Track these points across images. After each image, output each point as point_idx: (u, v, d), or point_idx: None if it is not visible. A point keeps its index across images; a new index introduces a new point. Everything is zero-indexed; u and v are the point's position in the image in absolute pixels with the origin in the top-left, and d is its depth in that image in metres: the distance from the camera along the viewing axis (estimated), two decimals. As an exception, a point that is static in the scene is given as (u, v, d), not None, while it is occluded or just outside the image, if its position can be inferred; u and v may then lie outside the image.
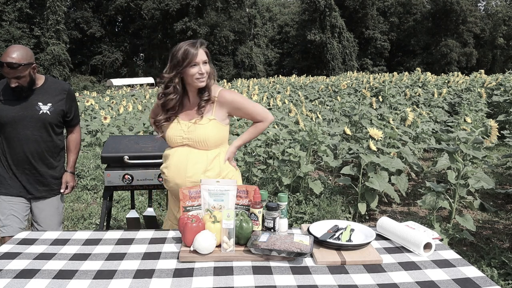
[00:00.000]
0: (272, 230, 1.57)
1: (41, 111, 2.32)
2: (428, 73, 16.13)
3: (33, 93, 2.32)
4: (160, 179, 2.39)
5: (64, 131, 2.57)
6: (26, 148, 2.31)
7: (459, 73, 18.00)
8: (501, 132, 6.22)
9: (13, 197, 2.34)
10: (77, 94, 25.16)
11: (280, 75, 30.00)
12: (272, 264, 1.38)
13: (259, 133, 2.15)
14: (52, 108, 2.35)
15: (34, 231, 1.77)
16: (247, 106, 2.06)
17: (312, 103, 11.31)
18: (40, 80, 2.37)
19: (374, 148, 3.97)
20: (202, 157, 1.95)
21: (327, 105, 10.41)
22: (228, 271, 1.33)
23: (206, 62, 1.91)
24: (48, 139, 2.38)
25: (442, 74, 22.50)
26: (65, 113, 2.43)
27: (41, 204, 2.43)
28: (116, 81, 38.28)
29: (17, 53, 2.17)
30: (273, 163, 4.77)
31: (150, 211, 2.63)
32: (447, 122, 7.87)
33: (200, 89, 1.96)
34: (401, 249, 1.52)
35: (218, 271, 1.33)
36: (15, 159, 2.32)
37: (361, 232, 1.60)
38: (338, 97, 9.56)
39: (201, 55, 1.89)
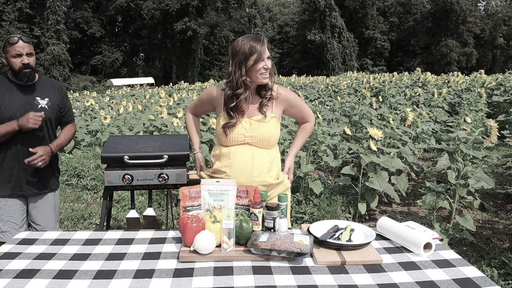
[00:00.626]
0: (272, 230, 1.57)
1: (39, 105, 2.34)
2: (428, 73, 16.12)
3: (31, 88, 2.34)
4: (160, 179, 2.38)
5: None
6: (28, 144, 2.31)
7: (459, 73, 17.99)
8: (501, 132, 6.22)
9: (9, 199, 2.33)
10: (77, 94, 25.17)
11: (280, 75, 29.99)
12: (272, 264, 1.38)
13: (309, 134, 2.13)
14: (49, 102, 2.39)
15: (33, 231, 1.77)
16: (300, 104, 2.05)
17: (312, 103, 11.31)
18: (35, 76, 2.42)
19: (374, 148, 3.96)
20: (266, 156, 1.93)
21: (327, 105, 10.41)
22: (228, 271, 1.33)
23: (269, 58, 1.88)
24: (47, 134, 2.41)
25: (442, 74, 22.50)
26: (60, 109, 2.47)
27: (39, 202, 2.43)
28: (116, 81, 38.24)
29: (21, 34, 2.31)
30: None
31: (150, 211, 2.63)
32: (447, 122, 7.87)
33: (260, 86, 1.93)
34: (401, 249, 1.52)
35: (218, 271, 1.33)
36: (16, 155, 2.31)
37: (361, 232, 1.60)
38: (338, 97, 9.56)
39: (266, 50, 1.86)
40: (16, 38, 2.21)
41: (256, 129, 1.89)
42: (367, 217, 4.20)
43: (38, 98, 2.35)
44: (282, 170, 2.10)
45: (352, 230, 1.59)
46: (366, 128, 5.56)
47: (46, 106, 2.36)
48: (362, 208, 3.99)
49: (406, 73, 16.95)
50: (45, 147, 2.32)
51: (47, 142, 2.41)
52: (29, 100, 2.32)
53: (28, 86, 2.33)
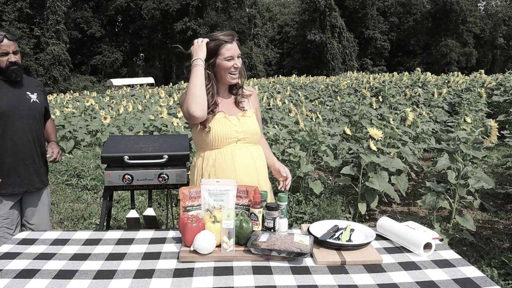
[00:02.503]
0: (272, 230, 1.57)
1: (31, 100, 2.38)
2: (428, 73, 16.12)
3: (20, 84, 2.36)
4: (160, 179, 2.38)
5: None
6: (24, 138, 2.32)
7: (459, 73, 17.99)
8: (501, 132, 6.22)
9: (4, 201, 2.31)
10: (77, 94, 25.18)
11: (280, 75, 30.01)
12: (272, 264, 1.38)
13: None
14: (38, 97, 2.43)
15: (27, 231, 1.77)
16: (259, 113, 2.05)
17: (312, 103, 11.31)
18: None
19: (374, 148, 3.96)
20: (260, 151, 1.93)
21: (327, 105, 10.41)
22: (228, 271, 1.33)
23: (239, 57, 1.84)
24: (40, 127, 2.44)
25: (442, 74, 22.50)
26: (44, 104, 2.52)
27: (35, 201, 2.43)
28: (116, 81, 38.25)
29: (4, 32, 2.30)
30: (273, 163, 4.78)
31: (150, 211, 2.63)
32: (447, 122, 7.87)
33: (231, 85, 1.91)
34: (401, 249, 1.52)
35: (218, 271, 1.33)
36: (13, 150, 2.29)
37: (361, 232, 1.60)
38: (338, 97, 9.57)
39: (236, 48, 1.81)
40: (1, 36, 2.20)
41: (245, 124, 1.86)
42: (367, 217, 4.20)
43: (28, 92, 2.38)
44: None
45: (352, 230, 1.59)
46: (366, 128, 5.56)
47: (37, 100, 2.40)
48: (362, 208, 3.99)
49: (406, 73, 16.95)
50: (54, 143, 2.56)
51: (40, 135, 2.45)
52: (20, 94, 2.34)
53: (17, 82, 2.35)
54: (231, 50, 1.79)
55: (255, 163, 1.87)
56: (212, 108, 1.82)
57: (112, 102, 14.62)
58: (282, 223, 1.62)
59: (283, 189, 1.93)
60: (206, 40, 1.80)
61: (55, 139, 2.66)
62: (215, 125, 1.81)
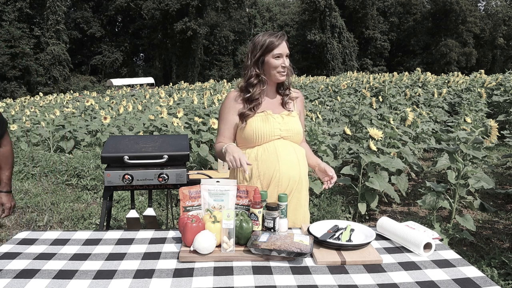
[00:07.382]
0: (272, 230, 1.57)
1: None
2: (428, 73, 16.11)
3: None
4: (160, 179, 2.38)
5: None
6: None
7: (459, 73, 17.98)
8: (501, 132, 6.22)
9: None
10: (77, 94, 25.17)
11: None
12: (272, 264, 1.38)
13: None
14: None
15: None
16: (303, 116, 2.07)
17: (312, 103, 11.30)
18: None
19: (374, 148, 3.96)
20: (303, 151, 1.94)
21: (327, 105, 10.40)
22: (228, 271, 1.33)
23: (287, 56, 1.88)
24: None
25: (442, 74, 22.49)
26: None
27: None
28: (116, 81, 38.21)
29: None
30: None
31: (150, 211, 2.63)
32: (447, 122, 7.87)
33: (278, 84, 1.95)
34: (401, 249, 1.52)
35: (218, 271, 1.33)
36: None
37: (361, 232, 1.60)
38: (338, 97, 9.57)
39: (285, 47, 1.85)
40: None
41: (288, 123, 1.89)
42: (367, 217, 4.20)
43: None
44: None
45: (352, 230, 1.59)
46: (366, 128, 5.56)
47: None
48: (362, 208, 3.99)
49: (406, 73, 16.92)
50: (2, 196, 2.15)
51: None
52: None
53: None
54: (280, 48, 1.83)
55: (298, 158, 1.88)
56: (253, 106, 1.87)
57: (112, 102, 14.62)
58: (282, 223, 1.63)
59: (327, 187, 1.95)
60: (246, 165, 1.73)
61: (6, 186, 2.19)
62: (257, 123, 1.85)
